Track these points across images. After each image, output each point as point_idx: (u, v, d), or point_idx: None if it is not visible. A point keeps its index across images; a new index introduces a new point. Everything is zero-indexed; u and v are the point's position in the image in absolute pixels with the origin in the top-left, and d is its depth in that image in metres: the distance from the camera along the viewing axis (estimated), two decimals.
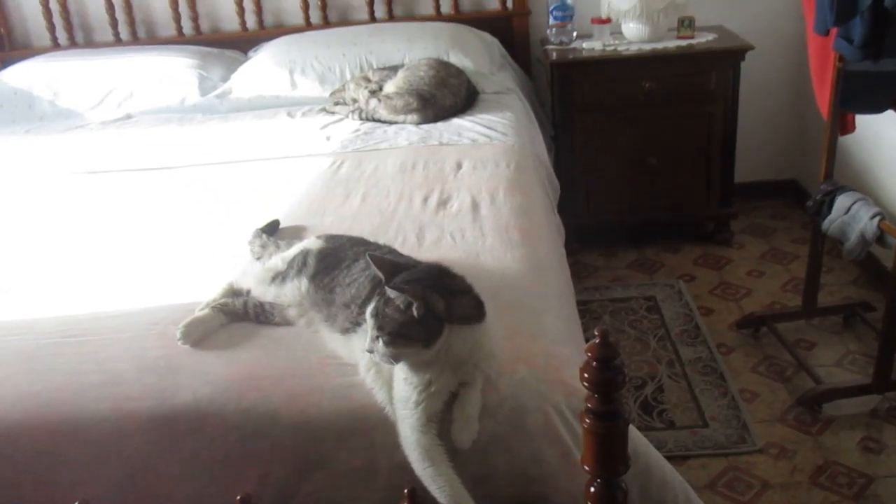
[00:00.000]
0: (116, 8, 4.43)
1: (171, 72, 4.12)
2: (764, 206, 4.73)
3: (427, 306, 1.77)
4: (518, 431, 1.87)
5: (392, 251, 2.41)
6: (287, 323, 2.32)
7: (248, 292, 2.42)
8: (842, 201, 3.07)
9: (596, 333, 1.36)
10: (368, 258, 1.95)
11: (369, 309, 1.83)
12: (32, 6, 4.46)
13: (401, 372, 1.86)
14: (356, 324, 2.12)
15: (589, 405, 1.42)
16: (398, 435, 1.85)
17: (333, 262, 2.36)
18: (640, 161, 4.21)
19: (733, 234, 4.39)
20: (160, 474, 1.85)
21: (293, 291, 2.35)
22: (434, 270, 1.94)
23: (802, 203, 4.26)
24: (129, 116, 4.05)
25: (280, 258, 2.48)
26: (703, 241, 4.43)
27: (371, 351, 1.81)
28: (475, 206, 2.84)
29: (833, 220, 3.08)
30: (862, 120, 3.36)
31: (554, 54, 4.12)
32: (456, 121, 3.68)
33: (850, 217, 3.00)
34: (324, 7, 4.41)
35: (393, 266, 1.91)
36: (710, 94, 4.10)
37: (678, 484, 2.01)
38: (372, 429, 1.88)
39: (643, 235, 4.49)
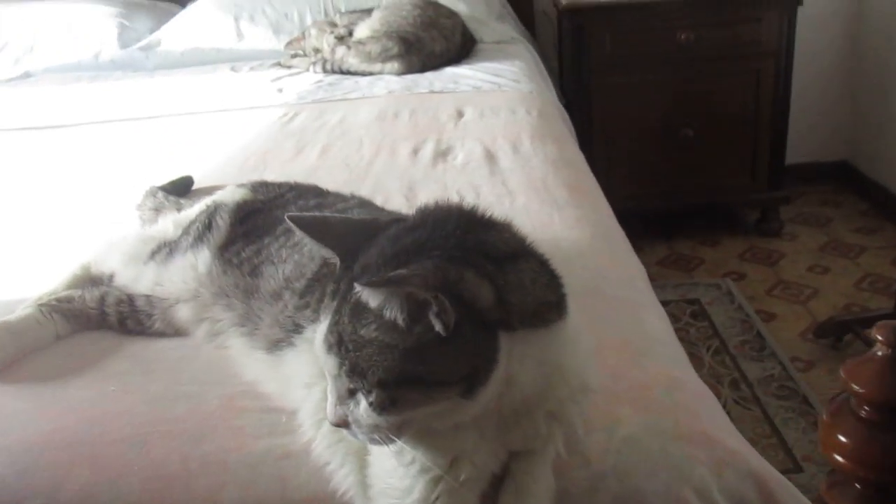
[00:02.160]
0: None
1: (82, 20, 3.05)
2: (812, 191, 3.76)
3: (459, 305, 0.84)
4: None
5: (368, 206, 1.29)
6: (174, 332, 1.17)
7: (111, 279, 1.27)
8: None
9: None
10: (289, 221, 0.96)
11: (320, 335, 0.90)
12: None
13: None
14: (294, 331, 0.99)
15: None
16: None
17: (262, 224, 1.25)
18: (673, 134, 3.23)
19: (783, 224, 3.37)
20: None
21: (184, 273, 1.23)
22: (448, 220, 0.94)
23: (856, 188, 3.66)
24: (27, 75, 2.97)
25: (172, 220, 1.34)
26: (745, 232, 3.48)
27: (341, 424, 0.90)
28: (490, 157, 1.89)
29: None
30: None
31: (564, 1, 3.06)
32: (450, 69, 2.69)
33: None
34: None
35: (353, 230, 0.97)
36: (761, 48, 3.14)
37: None
38: None
39: (674, 226, 3.48)
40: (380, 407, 0.84)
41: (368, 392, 0.85)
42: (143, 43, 2.97)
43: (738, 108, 3.21)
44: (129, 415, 1.07)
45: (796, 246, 3.35)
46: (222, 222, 1.30)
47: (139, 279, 1.29)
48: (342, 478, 0.99)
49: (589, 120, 3.21)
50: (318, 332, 0.89)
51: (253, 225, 1.29)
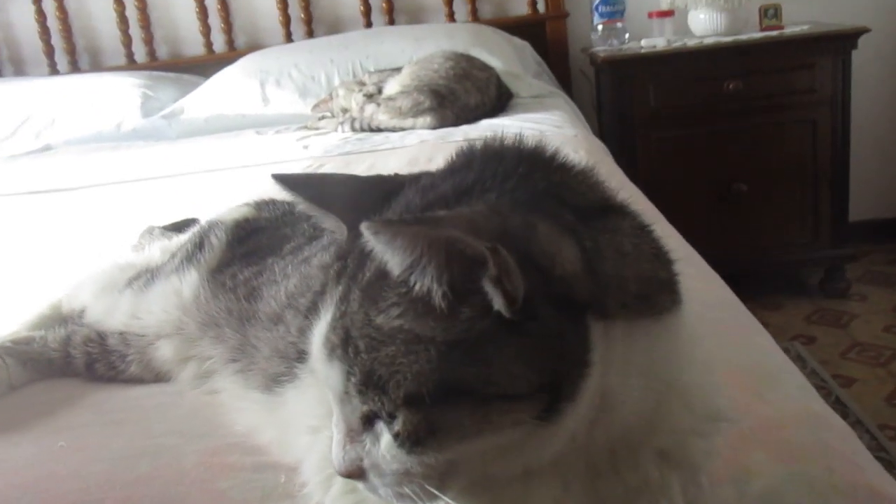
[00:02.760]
0: (52, 33, 3.19)
1: (106, 91, 2.88)
2: (879, 249, 3.41)
3: (530, 271, 0.54)
4: None
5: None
6: (153, 377, 0.89)
7: (82, 315, 1.01)
8: None
9: None
10: (273, 178, 0.70)
11: (318, 336, 0.62)
12: None
13: None
14: (297, 359, 0.69)
15: None
16: None
17: (265, 244, 0.98)
18: (724, 190, 2.91)
19: (850, 284, 3.04)
20: None
21: (166, 301, 0.96)
22: (504, 158, 0.65)
23: None
24: (47, 147, 2.79)
25: (160, 247, 1.09)
26: (809, 293, 3.14)
27: (354, 474, 0.61)
28: None
29: None
30: None
31: (603, 54, 2.85)
32: (486, 121, 2.44)
33: None
34: (309, 20, 3.17)
35: (366, 188, 0.71)
36: (814, 96, 2.84)
37: None
38: None
39: (731, 289, 3.12)
40: (410, 440, 0.56)
41: (391, 416, 0.56)
42: (166, 111, 2.79)
43: (794, 159, 2.91)
44: (76, 478, 0.79)
45: (867, 306, 2.99)
46: (216, 241, 1.05)
47: (112, 312, 1.04)
48: None
49: (633, 178, 2.92)
50: (317, 332, 0.61)
51: (255, 245, 1.04)
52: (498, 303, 0.53)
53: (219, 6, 3.17)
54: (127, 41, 3.21)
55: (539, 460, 0.60)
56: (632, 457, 0.64)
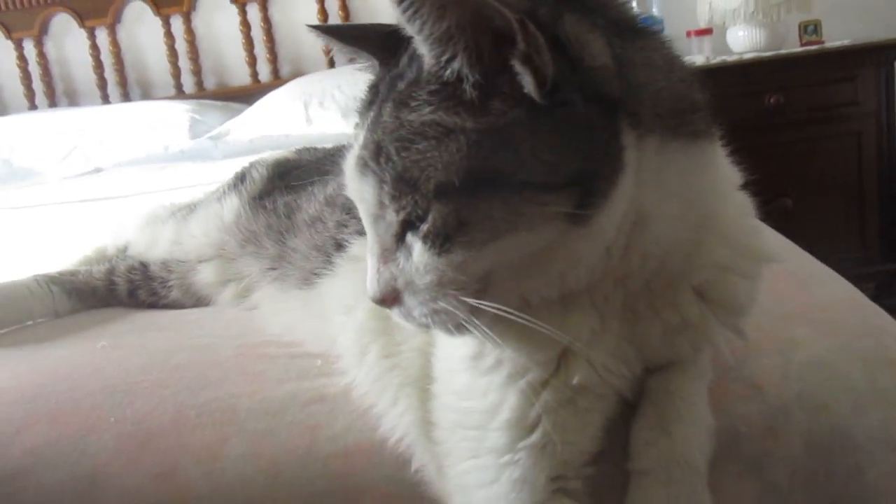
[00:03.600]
0: (105, 67, 3.31)
1: (155, 117, 2.95)
2: None
3: (559, 57, 0.54)
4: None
5: None
6: (193, 301, 0.91)
7: (125, 251, 1.04)
8: None
9: None
10: (309, 27, 0.75)
11: (351, 158, 0.63)
12: (8, 70, 3.36)
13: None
14: (335, 250, 0.70)
15: None
16: None
17: (306, 177, 0.97)
18: (770, 204, 2.78)
19: None
20: None
21: (207, 225, 0.99)
22: None
23: None
24: (97, 170, 2.84)
25: (203, 190, 1.13)
26: None
27: (387, 298, 0.61)
28: None
29: None
30: None
31: None
32: None
33: None
34: None
35: (395, 29, 0.63)
36: (858, 108, 2.82)
37: None
38: None
39: None
40: (440, 237, 0.56)
41: (422, 216, 0.56)
42: (212, 133, 2.85)
43: (840, 173, 2.86)
44: (114, 367, 0.80)
45: None
46: (258, 175, 1.07)
47: (156, 241, 1.05)
48: (395, 419, 0.69)
49: None
50: (349, 158, 0.63)
51: (296, 178, 1.05)
52: (528, 83, 0.53)
53: (264, 37, 3.26)
54: (176, 73, 3.31)
55: (574, 274, 0.59)
56: (670, 293, 0.62)
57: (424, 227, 0.57)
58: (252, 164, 1.14)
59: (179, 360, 0.81)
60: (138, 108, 3.05)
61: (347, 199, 0.88)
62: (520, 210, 0.55)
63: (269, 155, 1.14)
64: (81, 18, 3.28)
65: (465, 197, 0.55)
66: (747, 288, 0.68)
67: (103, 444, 0.74)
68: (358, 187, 0.61)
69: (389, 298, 0.60)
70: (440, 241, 0.56)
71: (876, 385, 0.72)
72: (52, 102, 3.40)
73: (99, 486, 0.70)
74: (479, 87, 0.55)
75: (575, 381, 0.62)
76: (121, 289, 1.05)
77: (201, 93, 3.31)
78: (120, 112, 3.03)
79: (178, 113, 2.95)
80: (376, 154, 0.59)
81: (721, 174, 0.69)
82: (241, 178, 1.11)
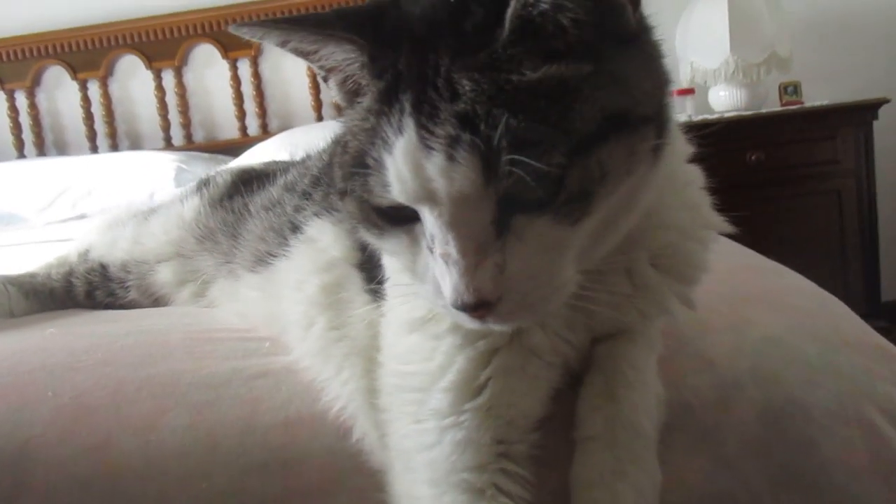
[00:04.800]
0: (96, 119, 3.34)
1: (142, 166, 2.97)
2: None
3: None
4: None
5: None
6: (151, 302, 0.90)
7: (87, 255, 1.03)
8: None
9: None
10: (263, 25, 0.66)
11: (407, 144, 0.56)
12: None
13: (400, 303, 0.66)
14: (292, 232, 0.70)
15: None
16: (390, 494, 0.65)
17: (264, 182, 0.98)
18: None
19: None
20: None
21: (167, 224, 0.97)
22: None
23: None
24: (82, 216, 2.83)
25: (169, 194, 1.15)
26: None
27: (485, 299, 0.56)
28: None
29: None
30: None
31: None
32: None
33: None
34: (340, 106, 3.26)
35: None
36: (838, 166, 2.86)
37: None
38: (317, 490, 0.65)
39: None
40: (581, 197, 0.55)
41: (554, 182, 0.53)
42: (198, 181, 2.87)
43: (821, 232, 2.88)
44: (58, 348, 0.79)
45: None
46: (222, 181, 1.07)
47: (116, 242, 1.05)
48: (338, 388, 0.67)
49: None
50: (397, 153, 0.56)
51: (259, 185, 1.05)
52: (628, 9, 0.56)
53: (254, 92, 3.30)
54: (165, 125, 3.34)
55: (626, 228, 0.61)
56: (637, 254, 0.63)
57: (562, 195, 0.53)
58: (217, 172, 1.15)
59: (126, 342, 0.79)
60: (126, 157, 3.07)
61: (308, 183, 0.88)
62: (635, 148, 0.55)
63: (235, 163, 1.14)
64: (74, 71, 3.33)
65: (600, 144, 0.53)
66: (700, 255, 0.68)
67: (38, 416, 0.72)
68: (438, 174, 0.54)
69: (492, 299, 0.55)
70: (579, 206, 0.54)
71: (830, 361, 0.71)
72: (41, 152, 3.42)
73: (29, 457, 0.68)
74: (577, 24, 0.54)
75: (525, 349, 0.62)
76: (78, 290, 1.03)
77: (190, 146, 3.33)
78: (107, 161, 3.05)
79: (165, 162, 2.96)
80: (472, 125, 0.53)
81: (679, 140, 0.71)
82: (205, 182, 1.11)
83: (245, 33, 0.63)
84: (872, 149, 2.84)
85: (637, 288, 0.64)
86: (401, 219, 0.59)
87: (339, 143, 0.66)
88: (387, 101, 0.58)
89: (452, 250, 0.55)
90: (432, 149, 0.54)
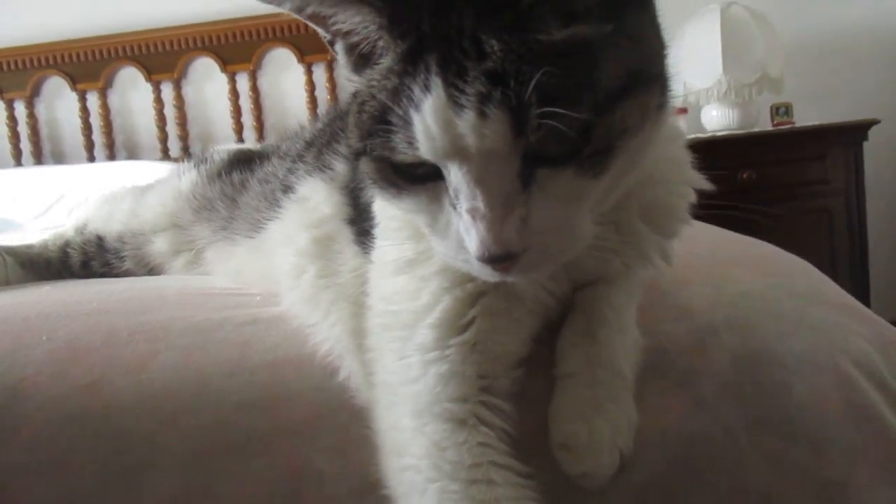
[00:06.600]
0: (94, 129, 3.38)
1: (138, 173, 2.96)
2: None
3: None
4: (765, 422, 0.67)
5: None
6: (146, 272, 0.93)
7: (84, 228, 1.06)
8: None
9: None
10: None
11: (434, 109, 0.58)
12: None
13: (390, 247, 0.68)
14: (284, 194, 0.73)
15: None
16: (375, 429, 0.68)
17: (263, 162, 1.01)
18: None
19: None
20: None
21: (164, 196, 1.01)
22: None
23: None
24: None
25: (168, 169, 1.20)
26: None
27: (510, 251, 0.59)
28: None
29: None
30: None
31: None
32: None
33: None
34: None
35: None
36: (828, 186, 2.90)
37: None
38: (303, 426, 0.68)
39: None
40: (605, 150, 0.58)
41: (581, 135, 0.56)
42: (194, 159, 2.90)
43: (812, 249, 2.88)
44: (53, 300, 0.81)
45: None
46: (218, 157, 1.09)
47: (112, 215, 1.07)
48: (326, 330, 0.69)
49: None
50: (426, 110, 0.57)
51: (259, 163, 1.07)
52: None
53: (252, 106, 3.35)
54: (163, 137, 3.38)
55: (637, 169, 0.64)
56: (628, 207, 0.66)
57: (588, 148, 0.56)
58: (215, 150, 1.17)
59: (121, 296, 0.81)
60: (122, 166, 3.09)
61: (302, 147, 0.90)
62: (647, 105, 0.58)
63: (231, 145, 1.17)
64: (74, 82, 3.37)
65: (622, 100, 0.56)
66: (682, 209, 0.71)
67: (32, 357, 0.73)
68: (470, 130, 0.56)
69: (518, 251, 0.58)
70: (601, 159, 0.57)
71: (805, 314, 0.74)
72: (39, 162, 3.45)
73: (23, 395, 0.69)
74: None
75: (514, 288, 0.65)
76: (74, 260, 1.06)
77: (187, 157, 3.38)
78: (103, 169, 3.08)
79: (161, 171, 2.99)
80: (503, 81, 0.55)
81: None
82: (202, 160, 1.14)
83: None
84: (862, 169, 2.89)
85: (624, 240, 0.67)
86: (419, 177, 0.61)
87: (355, 102, 0.66)
88: (410, 62, 0.59)
89: (480, 204, 0.57)
90: (463, 106, 0.56)
